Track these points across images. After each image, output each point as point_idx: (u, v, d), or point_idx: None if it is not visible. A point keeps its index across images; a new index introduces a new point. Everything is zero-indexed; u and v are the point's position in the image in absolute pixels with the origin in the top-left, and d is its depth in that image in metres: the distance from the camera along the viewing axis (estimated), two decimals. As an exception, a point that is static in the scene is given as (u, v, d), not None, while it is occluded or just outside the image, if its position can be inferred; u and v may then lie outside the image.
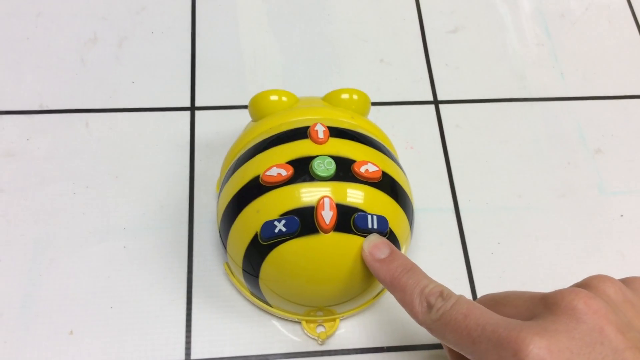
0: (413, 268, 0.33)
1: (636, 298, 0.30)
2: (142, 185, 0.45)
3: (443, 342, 0.31)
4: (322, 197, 0.35)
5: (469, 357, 0.29)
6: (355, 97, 0.42)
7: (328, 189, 0.35)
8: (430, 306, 0.31)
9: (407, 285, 0.32)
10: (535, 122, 0.51)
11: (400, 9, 0.55)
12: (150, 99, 0.48)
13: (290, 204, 0.35)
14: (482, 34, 0.55)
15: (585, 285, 0.30)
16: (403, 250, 0.39)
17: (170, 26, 0.52)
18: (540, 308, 0.29)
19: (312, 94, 0.45)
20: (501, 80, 0.53)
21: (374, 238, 0.35)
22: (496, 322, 0.28)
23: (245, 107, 0.49)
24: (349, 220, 0.35)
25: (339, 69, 0.52)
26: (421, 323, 0.31)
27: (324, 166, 0.35)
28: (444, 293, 0.31)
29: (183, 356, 0.39)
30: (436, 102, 0.51)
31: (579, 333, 0.26)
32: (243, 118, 0.47)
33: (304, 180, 0.35)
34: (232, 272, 0.40)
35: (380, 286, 0.39)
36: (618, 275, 0.31)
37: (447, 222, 0.45)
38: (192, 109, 0.48)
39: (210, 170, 0.46)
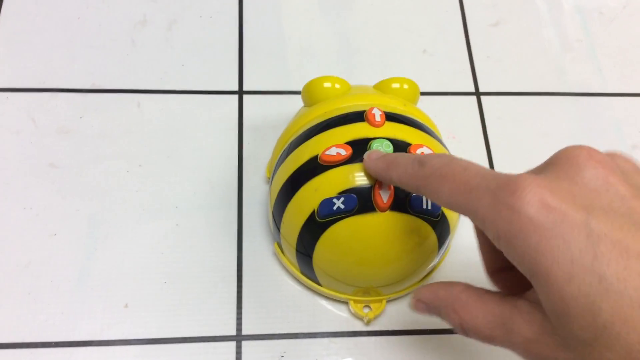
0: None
1: None
2: (192, 166, 0.45)
3: (437, 201, 0.29)
4: (380, 177, 0.35)
5: (461, 212, 0.28)
6: (405, 86, 0.43)
7: (385, 170, 0.36)
8: (422, 163, 0.30)
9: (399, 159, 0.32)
10: (574, 117, 0.51)
11: (443, 1, 0.56)
12: (199, 82, 0.49)
13: (349, 182, 0.36)
14: (523, 28, 0.55)
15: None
16: (451, 235, 0.39)
17: (218, 11, 0.53)
18: (541, 166, 0.27)
19: (356, 82, 0.45)
20: (541, 74, 0.53)
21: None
22: (497, 173, 0.27)
23: (291, 92, 0.49)
24: (404, 200, 0.36)
25: (382, 58, 0.52)
26: (412, 178, 0.30)
27: (382, 148, 0.36)
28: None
29: (234, 332, 0.40)
30: (478, 94, 0.51)
31: (582, 179, 0.25)
32: (289, 103, 0.48)
33: (362, 161, 0.36)
34: (282, 252, 0.41)
35: (427, 270, 0.40)
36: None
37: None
38: (240, 92, 0.49)
39: (258, 152, 0.46)
